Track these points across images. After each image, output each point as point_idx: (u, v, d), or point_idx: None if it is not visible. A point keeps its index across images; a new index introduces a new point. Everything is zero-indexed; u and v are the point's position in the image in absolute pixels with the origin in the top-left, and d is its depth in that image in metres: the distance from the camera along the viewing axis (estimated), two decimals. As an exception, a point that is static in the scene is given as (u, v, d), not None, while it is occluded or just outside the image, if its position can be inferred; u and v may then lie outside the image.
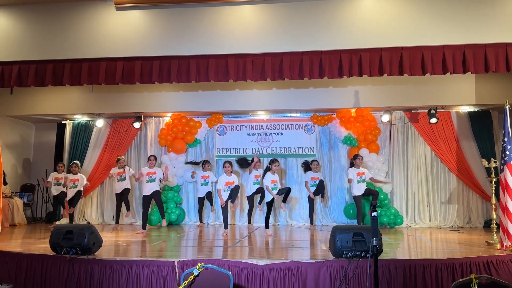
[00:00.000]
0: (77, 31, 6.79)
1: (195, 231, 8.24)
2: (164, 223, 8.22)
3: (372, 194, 8.12)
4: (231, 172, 7.63)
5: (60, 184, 8.73)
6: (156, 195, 8.06)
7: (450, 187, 9.17)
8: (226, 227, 7.41)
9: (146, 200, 8.00)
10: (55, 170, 9.09)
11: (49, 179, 8.89)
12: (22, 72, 6.82)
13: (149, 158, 8.22)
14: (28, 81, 6.80)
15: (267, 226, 7.51)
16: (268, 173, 7.48)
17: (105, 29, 6.77)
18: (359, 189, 8.02)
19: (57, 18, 6.85)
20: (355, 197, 8.09)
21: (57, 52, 6.77)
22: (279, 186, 7.54)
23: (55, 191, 8.77)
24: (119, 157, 8.75)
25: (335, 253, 4.72)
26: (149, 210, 8.38)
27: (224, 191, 7.40)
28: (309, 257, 5.23)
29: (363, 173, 8.12)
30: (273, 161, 7.57)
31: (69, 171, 8.90)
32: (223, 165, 7.70)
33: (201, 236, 7.65)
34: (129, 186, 8.58)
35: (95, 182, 9.79)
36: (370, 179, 8.25)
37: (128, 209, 8.65)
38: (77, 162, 8.93)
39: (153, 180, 8.00)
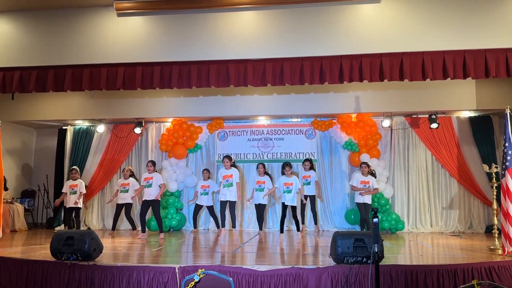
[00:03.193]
0: (79, 37, 6.81)
1: (195, 237, 8.22)
2: (162, 236, 7.85)
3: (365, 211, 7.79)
4: (230, 166, 7.90)
5: (76, 192, 8.18)
6: (153, 204, 7.78)
7: (451, 192, 9.16)
8: (234, 225, 7.77)
9: (144, 205, 7.84)
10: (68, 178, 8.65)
11: (64, 190, 8.38)
12: (23, 78, 6.83)
13: (147, 164, 8.10)
14: (30, 87, 6.81)
15: (281, 231, 7.71)
16: (283, 176, 7.82)
17: (106, 35, 6.80)
18: (361, 197, 7.75)
19: (58, 24, 6.88)
20: (357, 204, 7.90)
21: (58, 58, 6.78)
22: (293, 189, 7.66)
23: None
24: (124, 167, 8.62)
25: (336, 258, 4.71)
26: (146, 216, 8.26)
27: (223, 186, 7.72)
28: (310, 263, 5.21)
29: (368, 181, 7.81)
30: (283, 166, 7.92)
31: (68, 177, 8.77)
32: (222, 160, 7.87)
33: (198, 242, 7.64)
34: (131, 201, 8.33)
35: (96, 188, 9.79)
36: (374, 189, 7.87)
37: (133, 228, 8.51)
38: (76, 168, 8.61)
39: (150, 186, 7.75)
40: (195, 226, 8.87)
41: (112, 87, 6.79)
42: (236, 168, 8.27)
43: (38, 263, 4.99)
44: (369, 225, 7.76)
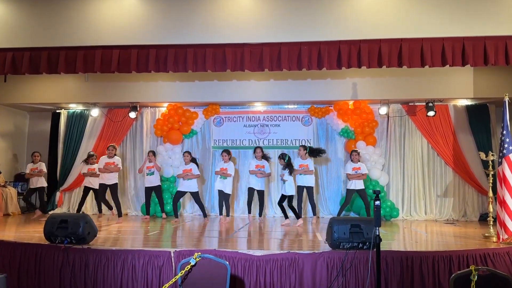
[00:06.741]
0: (73, 18, 6.66)
1: (191, 222, 8.20)
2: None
3: (361, 197, 8.03)
4: (229, 159, 8.12)
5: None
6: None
7: (446, 180, 9.19)
8: (228, 214, 7.82)
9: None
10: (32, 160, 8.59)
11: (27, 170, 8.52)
12: (16, 60, 6.70)
13: (148, 154, 8.57)
14: (23, 69, 6.68)
15: (297, 216, 7.67)
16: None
17: (101, 17, 6.65)
18: (353, 183, 7.96)
19: (52, 4, 6.71)
20: (347, 190, 8.09)
21: (52, 39, 6.64)
22: (289, 179, 7.65)
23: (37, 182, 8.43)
24: (109, 145, 8.37)
25: (332, 244, 4.71)
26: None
27: (220, 177, 7.95)
28: (306, 248, 5.21)
29: (359, 168, 8.02)
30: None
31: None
32: (221, 153, 7.98)
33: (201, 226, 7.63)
34: (116, 180, 8.12)
35: (90, 172, 9.69)
36: (363, 174, 8.04)
37: (112, 207, 8.39)
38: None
39: (152, 173, 8.37)
40: (176, 215, 8.19)
41: (107, 70, 6.68)
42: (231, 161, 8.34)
43: (31, 246, 4.95)
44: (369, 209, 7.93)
